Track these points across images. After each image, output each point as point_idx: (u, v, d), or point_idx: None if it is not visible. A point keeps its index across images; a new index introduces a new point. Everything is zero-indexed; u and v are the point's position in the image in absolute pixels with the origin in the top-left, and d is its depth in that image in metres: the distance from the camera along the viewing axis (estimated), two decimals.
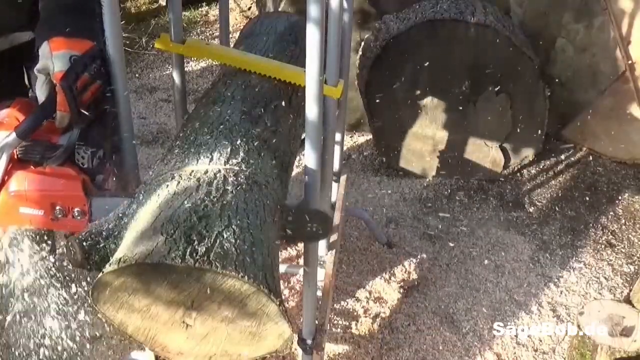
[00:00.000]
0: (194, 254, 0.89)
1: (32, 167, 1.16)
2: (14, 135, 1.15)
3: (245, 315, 0.95)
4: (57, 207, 1.14)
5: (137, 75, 3.61)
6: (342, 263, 2.25)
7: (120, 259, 0.91)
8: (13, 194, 1.14)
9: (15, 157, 1.17)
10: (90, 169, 1.20)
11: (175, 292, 0.93)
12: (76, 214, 1.14)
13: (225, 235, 0.94)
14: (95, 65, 1.20)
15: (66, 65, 1.17)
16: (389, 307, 2.08)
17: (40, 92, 1.23)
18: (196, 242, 0.91)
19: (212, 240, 0.93)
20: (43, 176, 1.15)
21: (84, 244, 1.02)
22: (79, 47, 1.20)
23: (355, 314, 2.06)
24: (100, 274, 0.93)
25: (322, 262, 1.71)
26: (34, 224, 1.16)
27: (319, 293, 1.66)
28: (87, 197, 1.15)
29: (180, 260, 0.88)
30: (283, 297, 2.20)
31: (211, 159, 1.12)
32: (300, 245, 2.31)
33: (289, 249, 2.31)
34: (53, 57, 1.18)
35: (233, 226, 0.97)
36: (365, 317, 2.04)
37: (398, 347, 1.94)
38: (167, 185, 1.06)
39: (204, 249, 0.91)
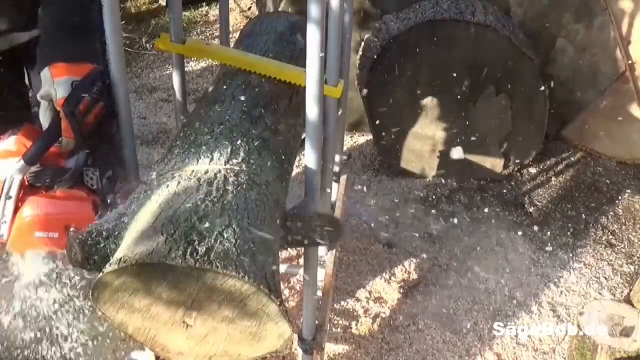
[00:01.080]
0: (195, 254, 0.90)
1: (43, 191, 1.20)
2: (22, 162, 1.19)
3: (245, 315, 0.95)
4: (71, 229, 1.16)
5: (137, 75, 3.61)
6: (342, 263, 2.24)
7: (120, 259, 0.91)
8: (27, 219, 1.18)
9: (26, 183, 1.21)
10: (100, 189, 1.24)
11: (176, 292, 0.93)
12: None
13: (225, 235, 0.94)
14: (97, 87, 1.22)
15: (68, 92, 1.19)
16: (389, 307, 2.08)
17: (44, 118, 1.25)
18: (196, 242, 0.91)
19: (212, 240, 0.93)
20: (54, 200, 1.19)
21: (84, 244, 1.03)
22: (79, 71, 1.22)
23: (355, 314, 2.06)
24: (100, 274, 0.93)
25: (322, 262, 1.71)
26: (49, 247, 1.18)
27: (319, 293, 1.66)
28: (98, 217, 1.18)
29: (180, 260, 0.88)
30: (283, 297, 2.19)
31: (211, 159, 1.12)
32: None
33: (288, 248, 2.31)
34: (55, 84, 1.20)
35: (233, 226, 0.97)
36: (365, 317, 2.04)
37: (398, 347, 1.94)
38: (168, 185, 1.06)
39: (205, 249, 0.91)
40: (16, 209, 1.19)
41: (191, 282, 0.92)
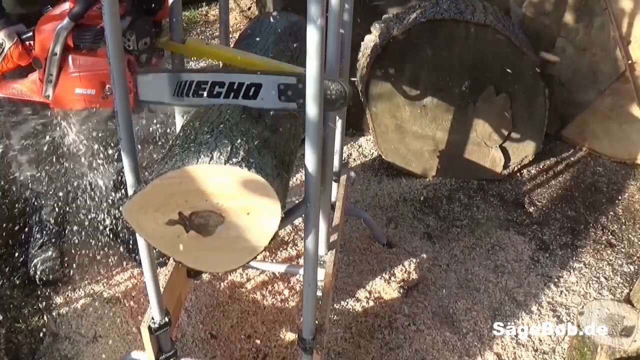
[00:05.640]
0: None
1: (85, 50, 1.32)
2: (67, 19, 1.29)
3: None
4: (107, 86, 1.29)
5: None
6: (342, 263, 2.25)
7: None
8: (70, 76, 1.30)
9: (72, 44, 1.32)
10: (135, 51, 1.33)
11: None
12: None
13: None
14: None
15: None
16: (389, 307, 2.08)
17: None
18: None
19: None
20: (93, 58, 1.31)
21: None
22: None
23: (355, 314, 2.06)
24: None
25: (322, 262, 1.71)
26: (87, 104, 1.33)
27: (319, 293, 1.66)
28: (131, 74, 1.27)
29: None
30: (283, 297, 2.20)
31: (211, 158, 1.12)
32: (301, 245, 2.31)
33: (288, 248, 2.31)
34: None
35: None
36: (365, 317, 2.04)
37: (398, 347, 1.94)
38: None
39: None
40: (60, 68, 1.30)
41: None
